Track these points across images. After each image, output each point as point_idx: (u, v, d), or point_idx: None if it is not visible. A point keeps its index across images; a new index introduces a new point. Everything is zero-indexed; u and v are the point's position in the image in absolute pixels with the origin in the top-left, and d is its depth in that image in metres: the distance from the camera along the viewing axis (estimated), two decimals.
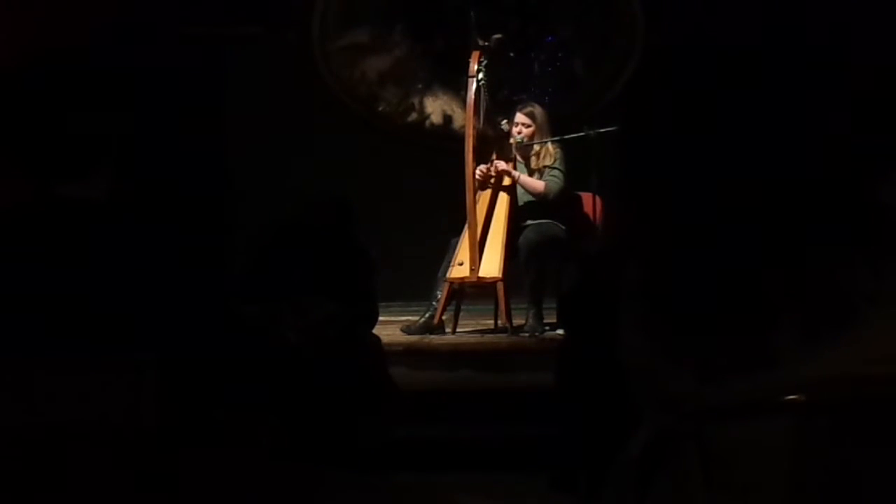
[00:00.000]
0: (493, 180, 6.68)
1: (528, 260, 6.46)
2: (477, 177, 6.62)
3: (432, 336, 6.48)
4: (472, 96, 6.51)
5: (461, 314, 6.73)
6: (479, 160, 6.66)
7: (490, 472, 4.78)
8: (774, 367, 0.81)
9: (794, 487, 0.81)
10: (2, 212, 2.12)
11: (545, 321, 6.47)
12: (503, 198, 6.68)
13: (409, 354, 5.96)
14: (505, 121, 6.75)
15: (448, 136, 8.24)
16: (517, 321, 6.55)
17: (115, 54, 6.56)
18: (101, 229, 2.11)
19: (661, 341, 0.85)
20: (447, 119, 8.56)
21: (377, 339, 5.01)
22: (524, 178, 6.61)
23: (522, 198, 6.66)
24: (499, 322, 6.64)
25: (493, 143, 6.76)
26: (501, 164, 6.64)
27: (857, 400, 0.81)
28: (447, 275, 6.48)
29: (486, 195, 6.67)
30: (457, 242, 6.56)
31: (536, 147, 6.67)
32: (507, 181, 6.66)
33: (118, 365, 1.97)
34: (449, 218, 6.76)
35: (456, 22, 8.53)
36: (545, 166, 6.64)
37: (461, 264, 6.44)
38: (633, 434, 0.89)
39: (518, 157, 6.74)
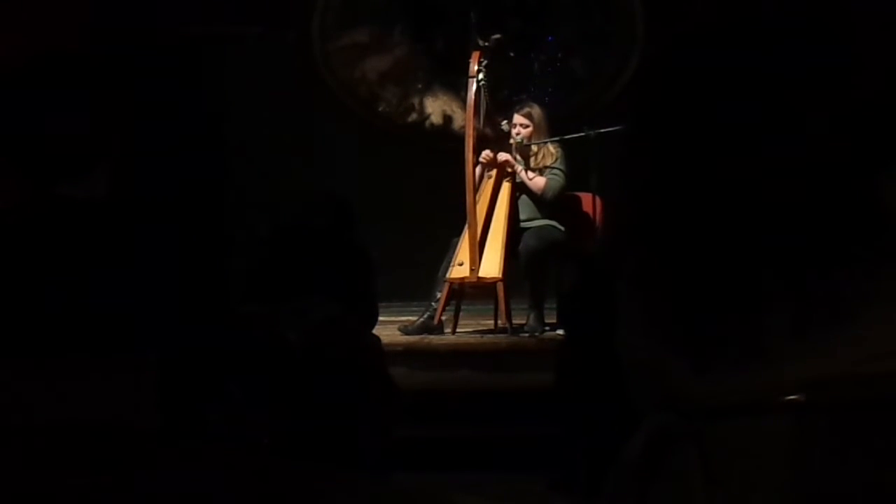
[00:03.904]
0: (495, 170, 6.68)
1: (528, 266, 6.46)
2: (482, 160, 6.63)
3: (432, 336, 6.48)
4: (472, 96, 6.51)
5: (461, 314, 6.73)
6: (479, 160, 6.67)
7: (490, 472, 4.78)
8: (768, 357, 0.81)
9: (795, 487, 0.81)
10: (1, 212, 2.12)
11: (545, 321, 6.47)
12: (503, 197, 6.68)
13: (409, 354, 5.96)
14: (505, 121, 6.76)
15: (448, 136, 8.24)
16: (517, 321, 6.55)
17: (115, 54, 6.56)
18: (101, 229, 2.10)
19: (660, 333, 0.85)
20: (447, 119, 8.57)
21: (377, 339, 5.01)
22: (525, 172, 6.61)
23: (521, 194, 6.66)
24: (499, 322, 6.64)
25: (493, 143, 6.77)
26: (504, 155, 6.64)
27: (857, 400, 0.81)
28: (447, 275, 6.48)
29: (486, 195, 6.67)
30: (457, 242, 6.56)
31: (534, 147, 6.68)
32: (508, 169, 6.65)
33: (118, 365, 1.97)
34: (449, 218, 6.76)
35: (456, 22, 8.54)
36: (546, 166, 6.64)
37: (461, 264, 6.44)
38: (633, 434, 0.89)
39: (518, 157, 6.74)
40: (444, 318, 6.58)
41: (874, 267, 0.79)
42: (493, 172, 6.72)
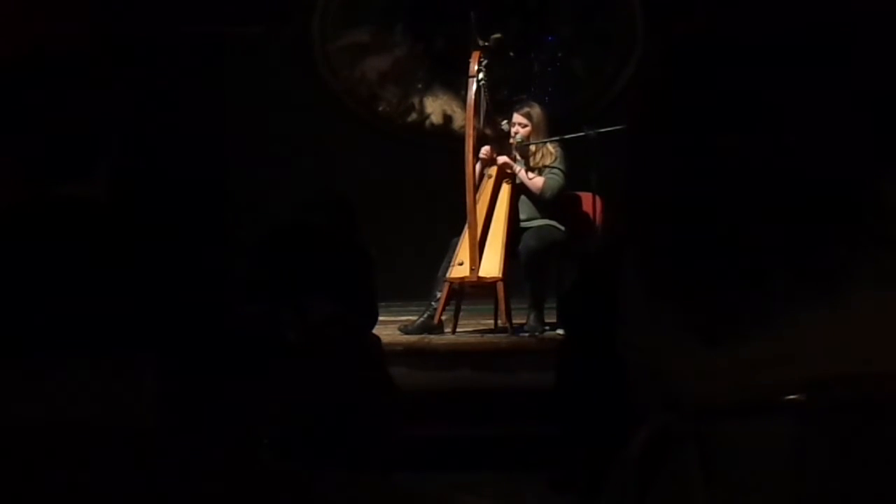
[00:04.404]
0: (495, 169, 6.69)
1: (528, 267, 6.46)
2: (481, 156, 6.63)
3: (432, 336, 6.48)
4: (472, 96, 6.52)
5: (461, 314, 6.73)
6: (479, 159, 6.67)
7: (490, 472, 4.78)
8: (772, 325, 0.81)
9: (795, 487, 0.81)
10: (1, 212, 2.12)
11: (545, 321, 6.47)
12: (503, 197, 6.68)
13: (408, 354, 5.96)
14: (505, 121, 6.76)
15: (448, 136, 8.25)
16: (517, 321, 6.55)
17: (115, 54, 6.56)
18: (101, 229, 2.10)
19: (668, 313, 0.85)
20: (447, 119, 8.57)
21: (377, 339, 5.01)
22: (523, 173, 6.61)
23: (520, 193, 6.67)
24: (499, 322, 6.64)
25: (493, 143, 6.77)
26: (503, 158, 6.65)
27: (857, 400, 0.81)
28: (447, 274, 6.48)
29: (486, 195, 6.67)
30: (457, 242, 6.56)
31: (533, 147, 6.68)
32: (507, 171, 6.66)
33: (118, 365, 1.97)
34: (449, 218, 6.76)
35: (456, 22, 8.54)
36: (545, 166, 6.64)
37: (461, 264, 6.45)
38: (633, 434, 0.89)
39: (518, 157, 6.74)
40: (444, 317, 6.58)
41: (862, 250, 0.80)
42: (493, 172, 6.72)
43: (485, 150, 6.66)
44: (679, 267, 0.83)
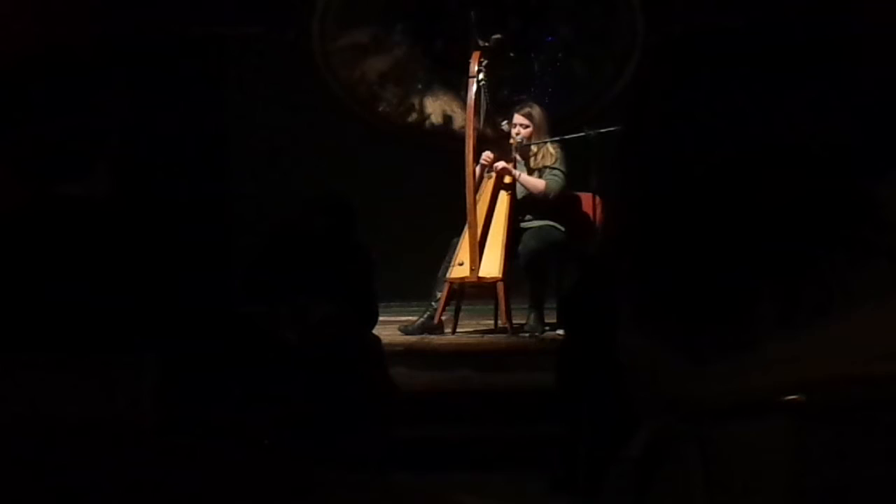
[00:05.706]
0: (494, 173, 6.68)
1: (528, 267, 6.46)
2: (482, 161, 6.63)
3: (432, 336, 6.48)
4: (473, 96, 6.51)
5: (461, 314, 6.73)
6: (479, 160, 6.67)
7: (490, 472, 4.78)
8: (758, 347, 0.81)
9: (795, 488, 0.81)
10: (1, 211, 2.12)
11: (545, 321, 6.47)
12: (503, 197, 6.68)
13: (409, 354, 5.96)
14: (505, 121, 6.76)
15: (448, 136, 8.24)
16: (517, 321, 6.55)
17: (115, 54, 6.56)
18: (101, 229, 2.10)
19: (655, 329, 0.85)
20: (447, 119, 8.56)
21: (377, 339, 5.01)
22: (524, 176, 6.62)
23: (520, 192, 6.67)
24: (499, 322, 6.64)
25: (493, 143, 6.77)
26: (501, 164, 6.65)
27: (857, 400, 0.81)
28: (447, 275, 6.48)
29: (486, 195, 6.67)
30: (457, 242, 6.56)
31: (534, 148, 6.68)
32: (507, 179, 6.67)
33: (118, 365, 1.97)
34: (449, 218, 6.76)
35: (456, 22, 8.53)
36: (545, 166, 6.64)
37: (461, 264, 6.44)
38: (633, 434, 0.89)
39: (518, 157, 6.74)
40: (444, 317, 6.58)
41: (861, 263, 0.79)
42: (493, 172, 6.73)
43: (486, 156, 6.65)
44: (668, 287, 0.83)
